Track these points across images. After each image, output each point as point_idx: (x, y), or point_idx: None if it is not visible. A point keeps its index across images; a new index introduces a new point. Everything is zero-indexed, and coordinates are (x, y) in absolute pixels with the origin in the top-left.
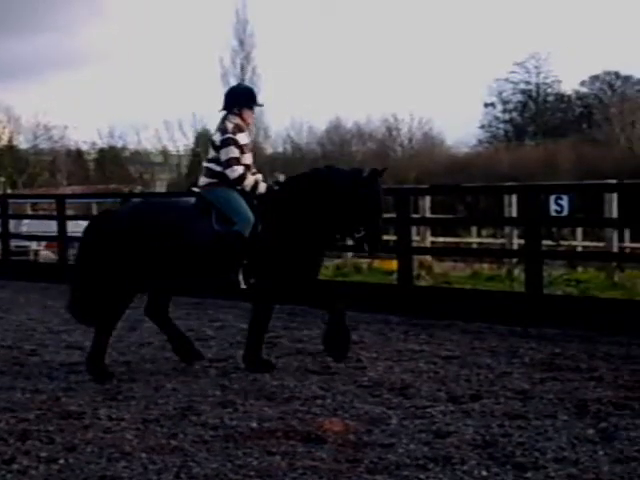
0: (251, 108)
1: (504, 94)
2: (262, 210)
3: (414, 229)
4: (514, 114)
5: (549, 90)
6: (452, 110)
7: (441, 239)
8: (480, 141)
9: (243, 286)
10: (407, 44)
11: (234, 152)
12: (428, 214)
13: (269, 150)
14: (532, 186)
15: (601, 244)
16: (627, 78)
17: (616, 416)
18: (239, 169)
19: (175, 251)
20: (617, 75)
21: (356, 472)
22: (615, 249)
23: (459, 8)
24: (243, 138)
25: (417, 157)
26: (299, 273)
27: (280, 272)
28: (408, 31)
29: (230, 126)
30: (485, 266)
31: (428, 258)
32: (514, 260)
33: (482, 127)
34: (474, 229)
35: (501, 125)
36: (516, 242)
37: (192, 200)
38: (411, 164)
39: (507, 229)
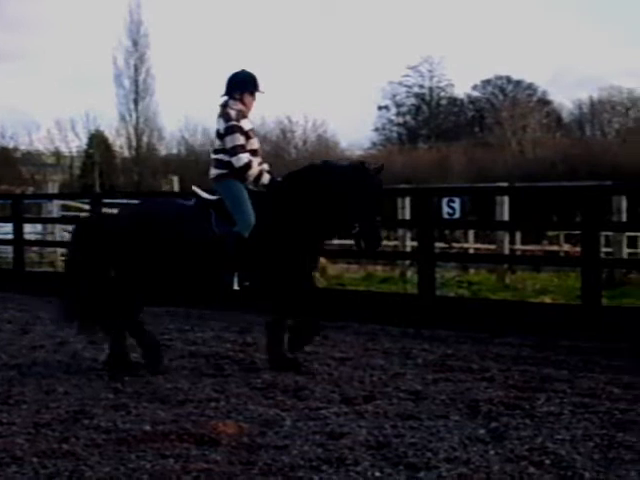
0: (252, 94)
1: (398, 97)
2: (263, 209)
3: None
4: (407, 117)
5: (442, 94)
6: (346, 113)
7: (335, 241)
8: (374, 144)
9: (236, 287)
10: (302, 46)
11: (239, 139)
12: None
13: (163, 152)
14: (425, 189)
15: (492, 246)
16: (518, 82)
17: (507, 416)
18: (244, 157)
19: (174, 252)
20: (508, 79)
21: (250, 474)
22: (506, 251)
23: (354, 11)
24: (247, 124)
25: (311, 159)
26: (297, 273)
27: (278, 272)
28: (303, 33)
29: (233, 113)
30: (379, 268)
31: (322, 260)
32: (407, 262)
33: (376, 130)
34: None
35: (395, 128)
36: (409, 244)
37: (192, 201)
38: None
39: (400, 231)
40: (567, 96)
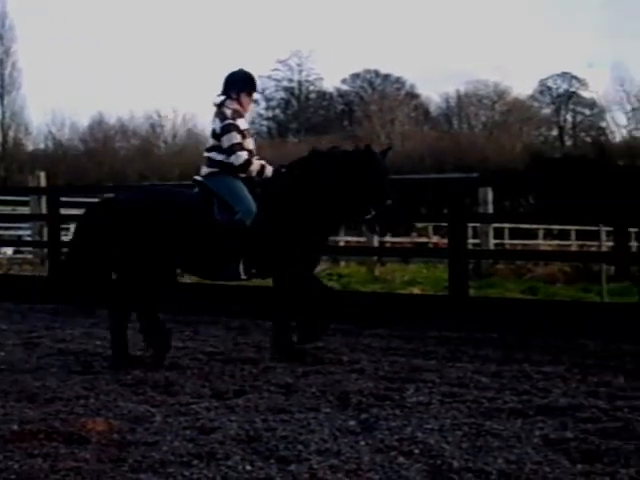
0: (250, 94)
1: (267, 91)
2: (266, 198)
3: None
4: (277, 111)
5: (311, 87)
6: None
7: None
8: None
9: (243, 277)
10: (171, 39)
11: (236, 138)
12: None
13: (30, 147)
14: None
15: (362, 239)
16: (386, 76)
17: (377, 407)
18: (244, 154)
19: (177, 241)
20: (377, 73)
21: (120, 471)
22: (376, 243)
23: (223, 4)
24: (243, 123)
25: (181, 153)
26: (304, 262)
27: (286, 262)
28: (171, 26)
29: (229, 112)
30: None
31: None
32: None
33: None
34: None
35: (264, 122)
36: None
37: (195, 189)
38: (175, 161)
39: None
40: (434, 90)
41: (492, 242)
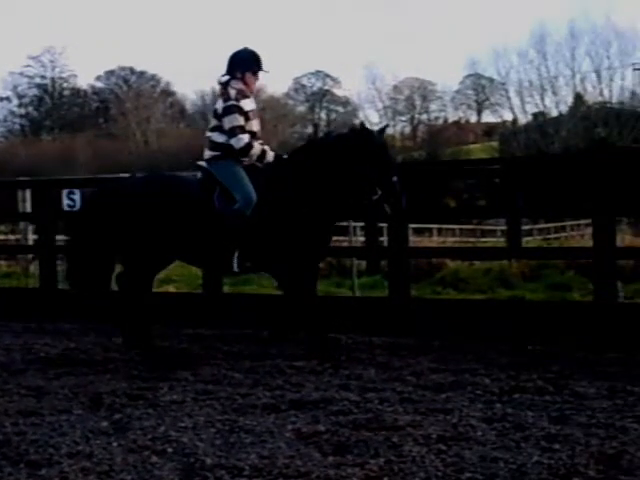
0: (255, 73)
1: (19, 88)
2: (268, 188)
3: None
4: (30, 108)
5: (65, 84)
6: None
7: None
8: None
9: (236, 269)
10: None
11: (238, 120)
12: None
13: None
14: (45, 181)
15: None
16: (142, 73)
17: (130, 407)
18: (244, 138)
19: (175, 227)
20: (132, 70)
21: None
22: None
23: None
24: (248, 104)
25: None
26: (309, 253)
27: (290, 253)
28: None
29: (233, 92)
30: (2, 263)
31: None
32: (30, 256)
33: None
34: None
35: (17, 120)
36: (31, 238)
37: (198, 175)
38: None
39: (22, 225)
40: (190, 87)
41: None
